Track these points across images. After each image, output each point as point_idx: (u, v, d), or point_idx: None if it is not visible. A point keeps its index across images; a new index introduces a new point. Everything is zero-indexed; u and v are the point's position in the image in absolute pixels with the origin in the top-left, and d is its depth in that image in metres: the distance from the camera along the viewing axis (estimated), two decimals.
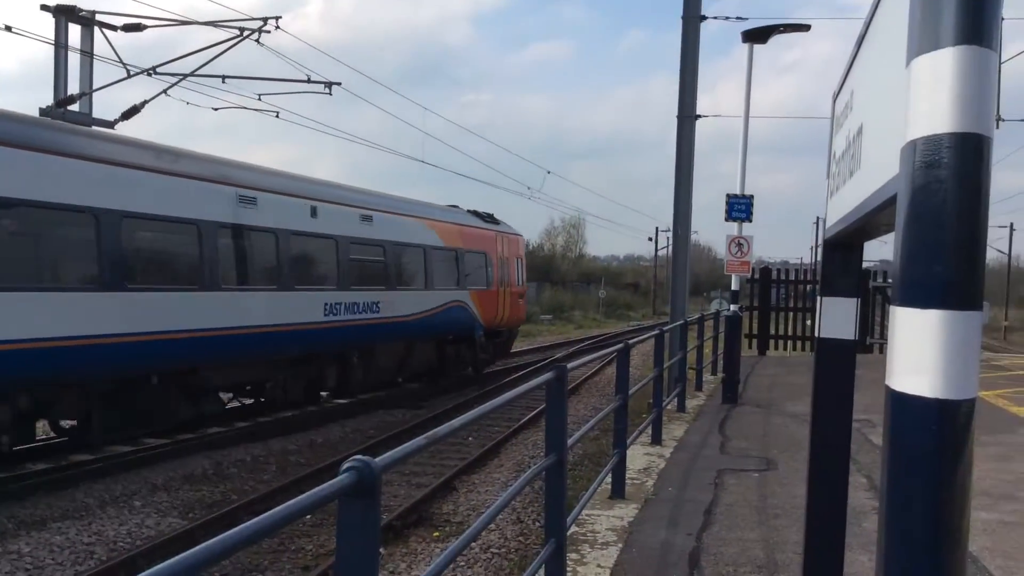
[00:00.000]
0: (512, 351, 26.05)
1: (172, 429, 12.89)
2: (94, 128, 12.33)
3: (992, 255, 60.31)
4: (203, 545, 1.54)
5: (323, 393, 16.69)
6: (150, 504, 9.79)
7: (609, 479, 6.84)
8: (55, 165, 10.08)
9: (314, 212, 14.82)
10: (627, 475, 7.21)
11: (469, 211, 21.99)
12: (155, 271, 11.83)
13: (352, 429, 15.00)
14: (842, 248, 4.41)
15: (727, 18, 17.32)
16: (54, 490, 10.14)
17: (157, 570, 1.40)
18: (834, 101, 4.47)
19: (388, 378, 18.22)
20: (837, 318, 4.44)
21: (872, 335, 22.33)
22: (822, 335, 4.52)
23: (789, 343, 22.86)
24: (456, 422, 3.04)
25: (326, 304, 15.00)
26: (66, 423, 11.78)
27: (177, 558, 1.45)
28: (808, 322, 23.22)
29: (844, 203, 3.74)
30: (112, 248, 10.76)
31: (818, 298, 4.51)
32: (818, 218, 73.82)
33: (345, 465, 2.08)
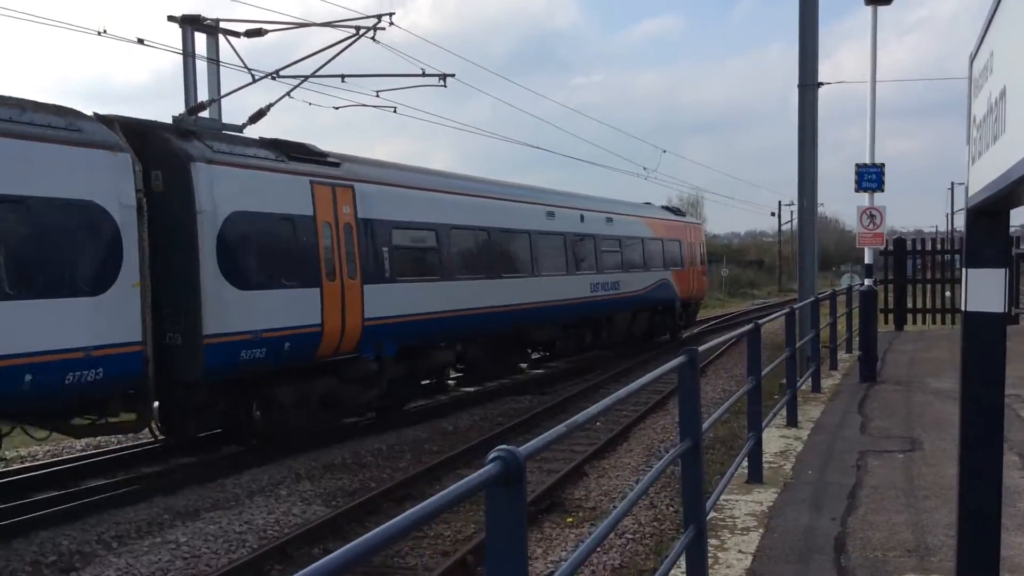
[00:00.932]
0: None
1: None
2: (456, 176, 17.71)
3: None
4: (367, 536, 1.62)
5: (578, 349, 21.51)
6: (295, 493, 10.23)
7: (745, 463, 6.73)
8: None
9: (582, 219, 20.50)
10: (764, 459, 7.08)
11: (663, 207, 28.08)
12: (510, 265, 17.47)
13: (480, 417, 15.24)
14: (987, 216, 4.20)
15: None
16: (204, 481, 10.72)
17: (331, 559, 1.48)
18: (971, 63, 4.25)
19: (620, 339, 22.95)
20: (984, 290, 4.23)
21: (1018, 305, 21.09)
22: (969, 308, 4.31)
23: (928, 316, 21.85)
24: (593, 409, 3.06)
25: (591, 284, 20.46)
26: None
27: (345, 548, 1.53)
28: (948, 294, 22.14)
29: (988, 169, 3.56)
30: (494, 251, 16.94)
31: (963, 270, 4.31)
32: (952, 183, 70.09)
33: (491, 455, 2.13)
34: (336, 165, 13.24)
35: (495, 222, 16.93)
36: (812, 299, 11.60)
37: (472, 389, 17.68)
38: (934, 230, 76.88)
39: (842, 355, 15.04)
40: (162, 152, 10.66)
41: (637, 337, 24.04)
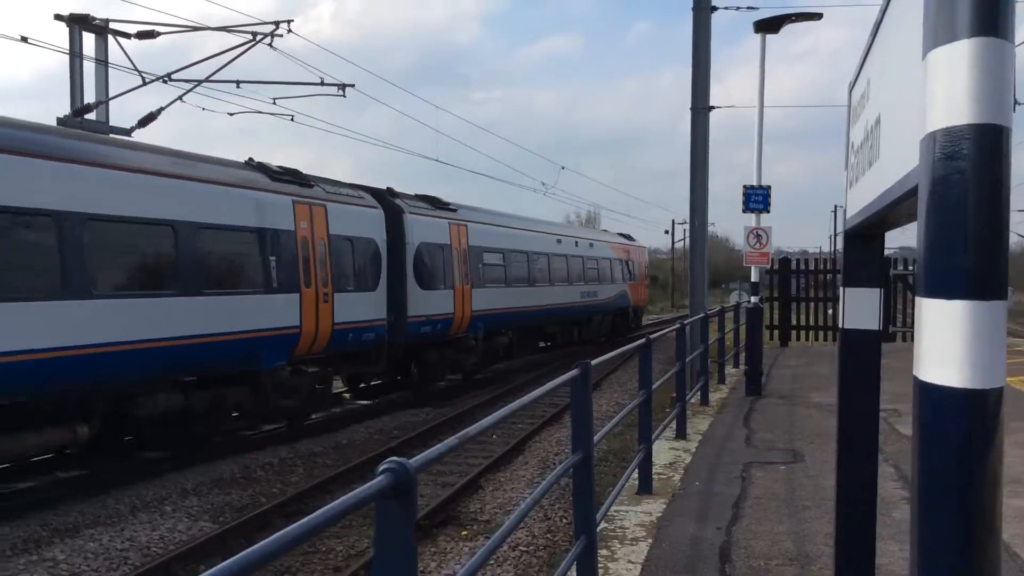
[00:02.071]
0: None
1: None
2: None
3: (1014, 240, 59.71)
4: (247, 552, 1.58)
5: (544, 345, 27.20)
6: (181, 509, 9.90)
7: (636, 475, 6.87)
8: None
9: (576, 244, 27.36)
10: (653, 470, 7.23)
11: (619, 233, 35.63)
12: (538, 278, 23.74)
13: (376, 430, 15.08)
14: (863, 238, 4.41)
15: (738, 8, 17.11)
16: (85, 497, 10.27)
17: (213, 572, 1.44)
18: (850, 91, 4.47)
19: (593, 336, 29.01)
20: (861, 308, 4.44)
21: (895, 324, 22.21)
22: (846, 326, 4.52)
23: (811, 333, 22.76)
24: (486, 421, 3.08)
25: (580, 292, 27.05)
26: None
27: (221, 566, 1.49)
28: (830, 311, 23.12)
29: (864, 194, 3.75)
30: (531, 267, 23.35)
31: (840, 289, 4.52)
32: (836, 206, 73.25)
33: (381, 467, 2.12)
34: (455, 211, 19.91)
35: (529, 247, 23.36)
36: (702, 315, 11.95)
37: (368, 402, 17.50)
38: (818, 250, 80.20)
39: (729, 370, 15.52)
40: (389, 208, 17.08)
41: (603, 334, 30.10)
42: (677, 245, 77.09)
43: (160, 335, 11.04)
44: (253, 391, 13.00)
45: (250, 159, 14.29)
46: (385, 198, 17.20)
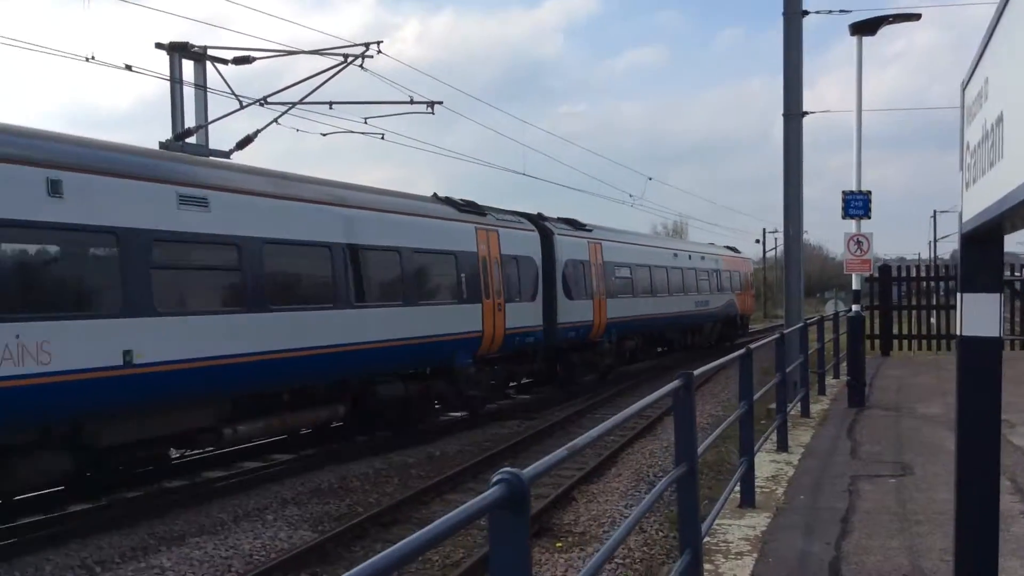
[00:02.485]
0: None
1: (301, 441, 14.63)
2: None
3: None
4: (376, 559, 1.58)
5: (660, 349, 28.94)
6: (281, 518, 10.12)
7: (738, 488, 6.71)
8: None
9: (689, 257, 29.73)
10: (755, 483, 7.06)
11: (726, 246, 38.31)
12: (661, 289, 26.49)
13: (467, 442, 15.16)
14: (981, 242, 4.23)
15: (830, 12, 16.68)
16: (190, 506, 10.60)
17: None
18: (963, 90, 4.29)
19: (703, 342, 31.23)
20: (980, 315, 4.25)
21: (1002, 331, 21.25)
22: (965, 333, 4.33)
23: (913, 343, 21.96)
24: (594, 432, 3.04)
25: (695, 302, 29.40)
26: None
27: (349, 573, 1.50)
28: (932, 320, 22.27)
29: (983, 195, 3.58)
30: (654, 279, 26.05)
31: (958, 295, 4.32)
32: (935, 211, 70.69)
33: (495, 477, 2.11)
34: (591, 231, 22.54)
35: (651, 261, 26.06)
36: (800, 324, 11.63)
37: (458, 415, 17.60)
38: (916, 257, 77.46)
39: (830, 380, 15.08)
40: (542, 230, 19.87)
41: (713, 340, 32.30)
42: (768, 254, 75.55)
43: (395, 336, 14.05)
44: (449, 383, 15.96)
45: (435, 194, 17.28)
46: (537, 222, 20.20)
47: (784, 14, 16.48)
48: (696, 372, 4.60)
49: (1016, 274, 21.30)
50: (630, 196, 38.53)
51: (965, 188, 4.21)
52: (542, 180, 64.99)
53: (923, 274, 23.34)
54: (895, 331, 21.81)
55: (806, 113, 16.78)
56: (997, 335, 4.20)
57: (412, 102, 18.11)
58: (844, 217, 12.53)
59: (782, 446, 9.06)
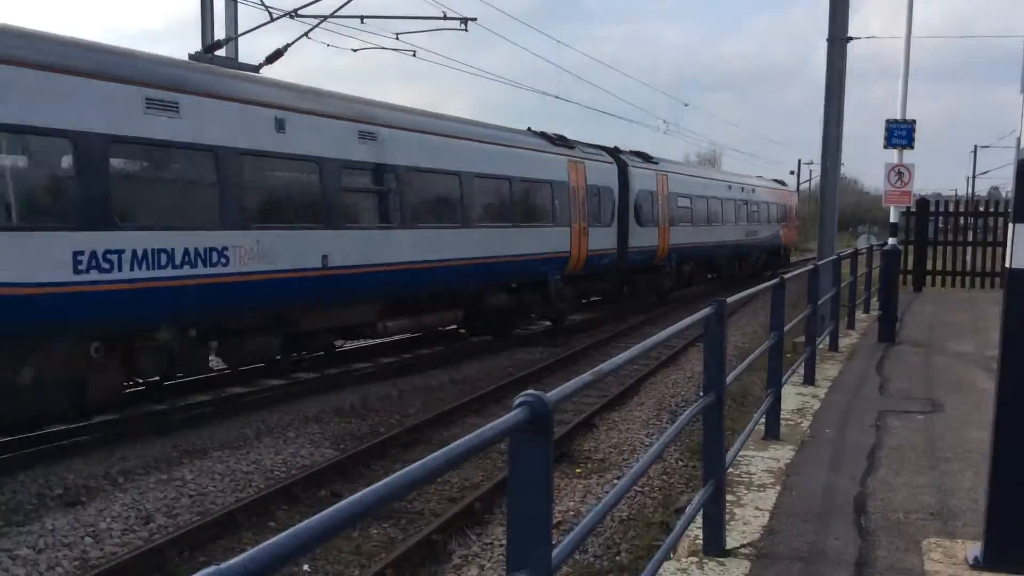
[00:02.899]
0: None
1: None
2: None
3: None
4: (390, 478, 1.48)
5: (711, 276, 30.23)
6: (303, 435, 10.17)
7: (762, 420, 6.57)
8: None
9: (741, 189, 31.18)
10: (781, 416, 6.92)
11: (774, 179, 39.28)
12: (716, 218, 28.37)
13: (491, 367, 15.15)
14: None
15: None
16: (213, 420, 10.68)
17: (356, 498, 1.34)
18: None
19: (750, 270, 32.43)
20: None
21: None
22: (1015, 265, 4.11)
23: (947, 279, 21.55)
24: (620, 358, 2.89)
25: (745, 231, 31.15)
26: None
27: (370, 489, 1.40)
28: (967, 257, 21.79)
29: None
30: (711, 209, 27.89)
31: (1010, 225, 4.09)
32: (976, 146, 69.01)
33: (517, 400, 1.97)
34: (657, 163, 24.38)
35: (708, 193, 27.47)
36: (835, 256, 11.33)
37: (480, 339, 17.59)
38: (954, 194, 75.99)
39: (860, 315, 14.83)
40: (619, 163, 21.59)
41: (760, 268, 33.48)
42: (803, 187, 74.33)
43: (506, 253, 16.26)
44: (542, 296, 17.94)
45: (529, 128, 18.89)
46: (615, 154, 21.97)
47: None
48: (729, 300, 4.42)
49: None
50: (664, 123, 37.85)
51: None
52: (578, 104, 63.84)
53: (961, 209, 22.78)
54: (929, 267, 21.39)
55: (851, 39, 16.16)
56: None
57: (445, 17, 17.68)
58: (887, 146, 12.09)
59: (809, 379, 8.89)
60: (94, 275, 8.69)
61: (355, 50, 19.34)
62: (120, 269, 8.97)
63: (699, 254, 26.81)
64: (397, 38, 17.92)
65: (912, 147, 12.07)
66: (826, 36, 15.70)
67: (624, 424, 11.01)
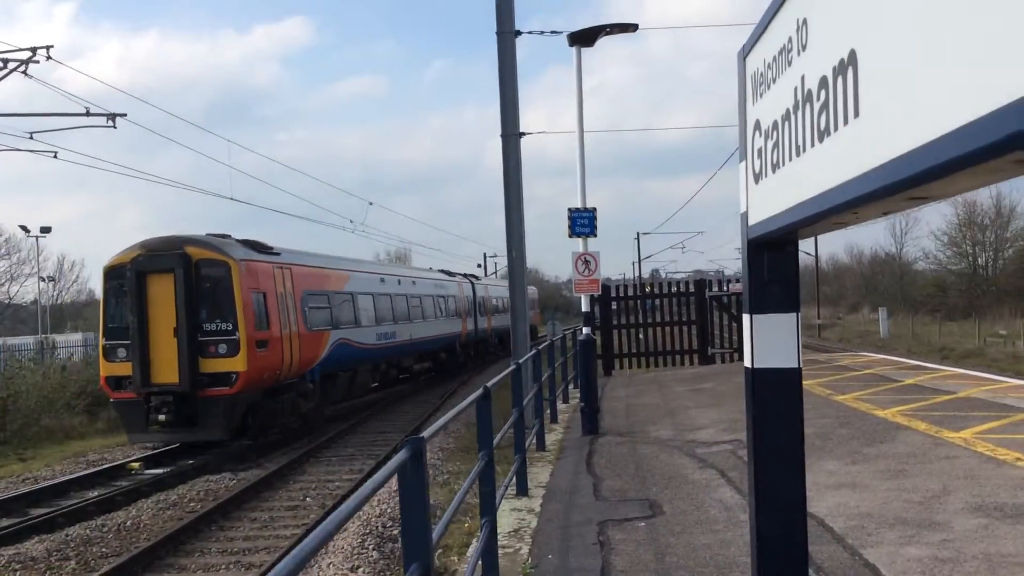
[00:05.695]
0: None
1: None
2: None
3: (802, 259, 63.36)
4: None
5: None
6: None
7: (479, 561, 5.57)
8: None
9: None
10: (498, 543, 5.98)
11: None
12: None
13: (169, 503, 12.98)
14: (777, 248, 3.38)
15: (542, 32, 16.69)
16: None
17: None
18: (743, 59, 3.44)
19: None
20: (775, 340, 3.38)
21: (714, 344, 22.22)
22: (758, 365, 3.47)
23: (632, 360, 22.42)
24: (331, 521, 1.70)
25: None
26: None
27: None
28: (641, 337, 22.89)
29: (793, 183, 2.70)
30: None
31: (746, 316, 3.47)
32: (639, 233, 75.56)
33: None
34: (477, 280, 39.24)
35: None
36: (534, 351, 10.86)
37: (160, 471, 15.26)
38: (622, 277, 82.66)
39: (560, 405, 14.60)
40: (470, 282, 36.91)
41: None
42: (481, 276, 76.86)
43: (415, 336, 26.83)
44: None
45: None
46: (469, 279, 34.82)
47: (498, 33, 16.12)
48: (426, 434, 3.40)
49: (723, 288, 22.39)
50: (350, 222, 36.98)
51: (753, 181, 3.34)
52: (255, 206, 61.60)
53: (639, 293, 24.06)
54: (616, 351, 22.14)
55: (523, 134, 16.51)
56: (797, 366, 3.39)
57: (89, 114, 15.78)
58: (571, 235, 12.01)
59: (522, 490, 8.11)
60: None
61: None
62: None
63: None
64: (31, 137, 15.67)
65: (595, 235, 12.10)
66: (500, 133, 15.90)
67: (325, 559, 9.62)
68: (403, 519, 3.25)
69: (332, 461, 16.10)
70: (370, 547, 9.76)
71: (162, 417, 15.41)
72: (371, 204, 48.24)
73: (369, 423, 20.79)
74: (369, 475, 13.91)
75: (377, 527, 10.58)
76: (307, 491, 13.68)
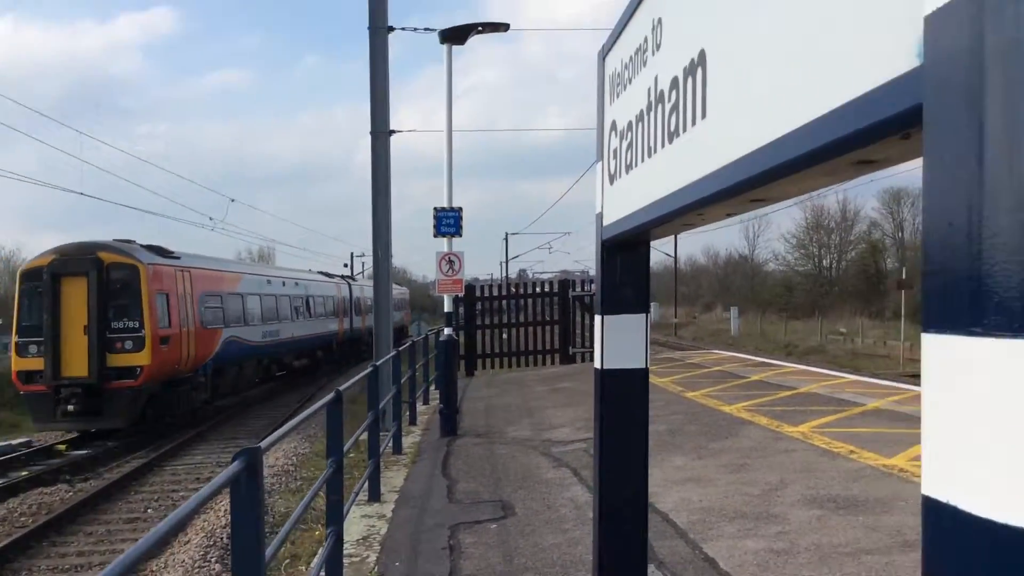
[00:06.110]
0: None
1: None
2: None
3: (659, 258, 65.18)
4: None
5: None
6: None
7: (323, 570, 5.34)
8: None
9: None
10: (344, 550, 5.77)
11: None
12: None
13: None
14: (625, 250, 3.35)
15: (415, 29, 16.38)
16: None
17: None
18: (603, 59, 3.41)
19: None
20: (624, 342, 3.35)
21: (575, 344, 22.51)
22: (606, 366, 3.43)
23: (495, 361, 22.45)
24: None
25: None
26: None
27: None
28: (504, 336, 22.97)
29: (648, 184, 2.66)
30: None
31: (599, 316, 3.43)
32: (507, 233, 76.13)
33: None
34: (353, 281, 40.86)
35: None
36: (394, 353, 10.64)
37: None
38: (490, 277, 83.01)
39: (420, 407, 14.42)
40: (347, 283, 38.88)
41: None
42: (357, 278, 75.72)
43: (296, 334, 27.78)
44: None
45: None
46: (348, 280, 35.85)
47: (370, 29, 15.81)
48: (264, 444, 3.19)
49: (584, 289, 22.73)
50: (210, 219, 35.10)
51: (608, 181, 3.30)
52: (109, 202, 58.42)
53: (505, 292, 24.11)
54: (479, 351, 22.12)
55: (393, 132, 16.24)
56: (644, 367, 3.37)
57: None
58: (436, 235, 11.85)
59: (374, 495, 7.90)
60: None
61: None
62: None
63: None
64: None
65: (460, 235, 11.99)
66: (370, 130, 15.60)
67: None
68: (233, 537, 3.02)
69: (178, 471, 15.29)
70: (213, 559, 9.32)
71: (70, 407, 16.61)
72: (233, 201, 46.21)
73: (223, 428, 19.95)
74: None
75: (222, 538, 10.09)
76: (148, 503, 12.95)
